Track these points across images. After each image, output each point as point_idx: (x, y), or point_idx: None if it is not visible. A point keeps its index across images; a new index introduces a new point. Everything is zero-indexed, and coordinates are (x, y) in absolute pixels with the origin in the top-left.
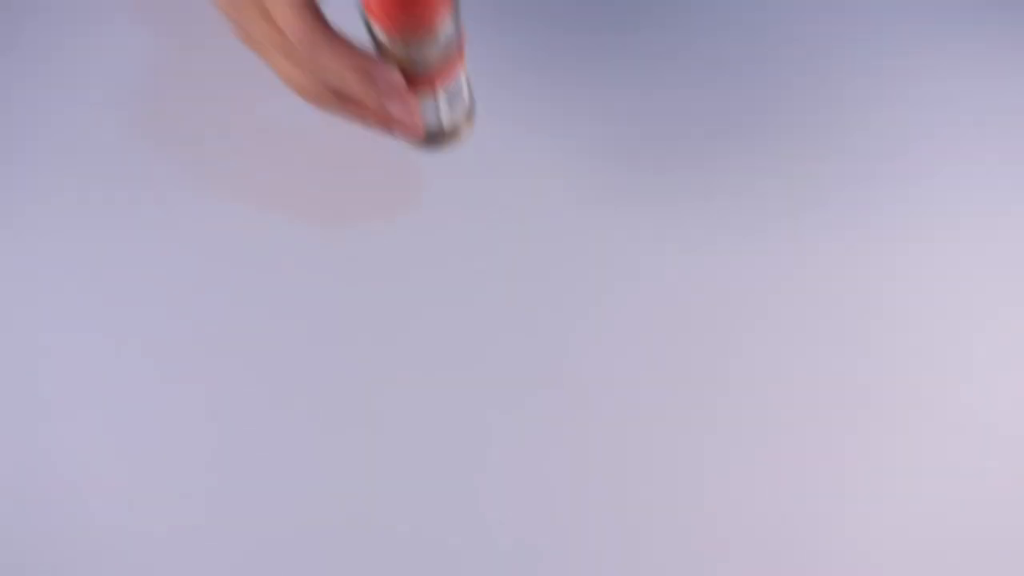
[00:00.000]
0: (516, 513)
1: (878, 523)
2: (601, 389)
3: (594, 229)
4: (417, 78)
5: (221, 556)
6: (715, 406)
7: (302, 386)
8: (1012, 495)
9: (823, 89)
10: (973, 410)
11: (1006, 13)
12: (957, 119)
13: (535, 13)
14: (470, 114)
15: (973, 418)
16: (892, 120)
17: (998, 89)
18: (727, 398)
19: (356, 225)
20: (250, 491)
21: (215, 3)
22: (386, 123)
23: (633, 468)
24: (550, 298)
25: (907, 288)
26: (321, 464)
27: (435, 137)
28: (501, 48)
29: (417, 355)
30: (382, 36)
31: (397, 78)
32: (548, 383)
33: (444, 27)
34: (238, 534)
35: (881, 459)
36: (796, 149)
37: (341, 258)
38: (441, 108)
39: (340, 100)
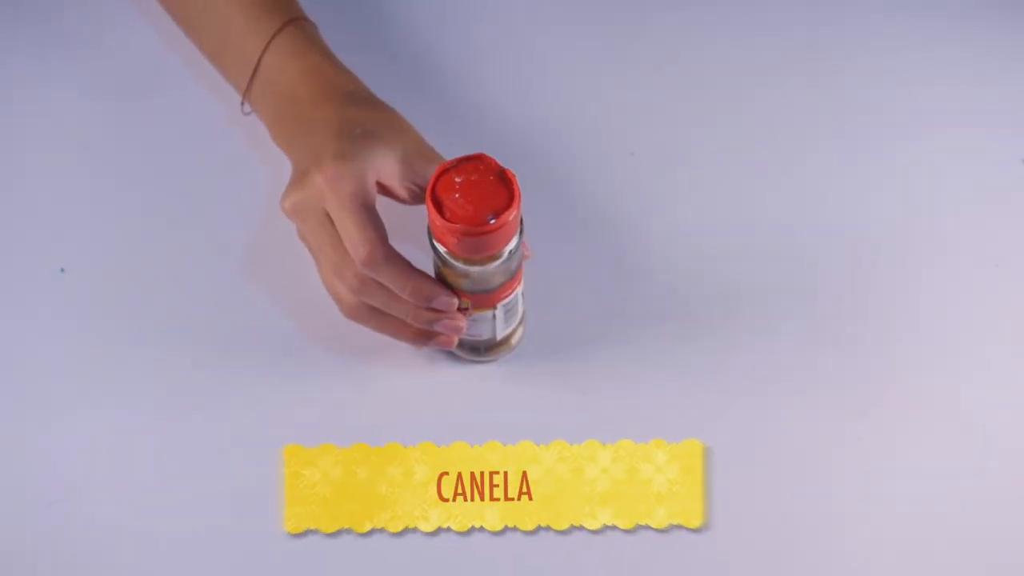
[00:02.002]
0: None
1: (877, 525)
2: None
3: None
4: (478, 296)
5: (222, 558)
6: (715, 406)
7: (311, 386)
8: (1011, 496)
9: (816, 84)
10: (973, 411)
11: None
12: (958, 114)
13: None
14: (521, 322)
15: (973, 418)
16: (888, 118)
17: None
18: (729, 397)
19: None
20: (252, 494)
21: (282, 207)
22: (425, 339)
23: None
24: None
25: (905, 288)
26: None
27: (488, 348)
28: None
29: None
30: (448, 256)
31: (453, 302)
32: None
33: (509, 248)
34: (239, 537)
35: (882, 461)
36: (790, 146)
37: None
38: (498, 322)
39: (378, 317)
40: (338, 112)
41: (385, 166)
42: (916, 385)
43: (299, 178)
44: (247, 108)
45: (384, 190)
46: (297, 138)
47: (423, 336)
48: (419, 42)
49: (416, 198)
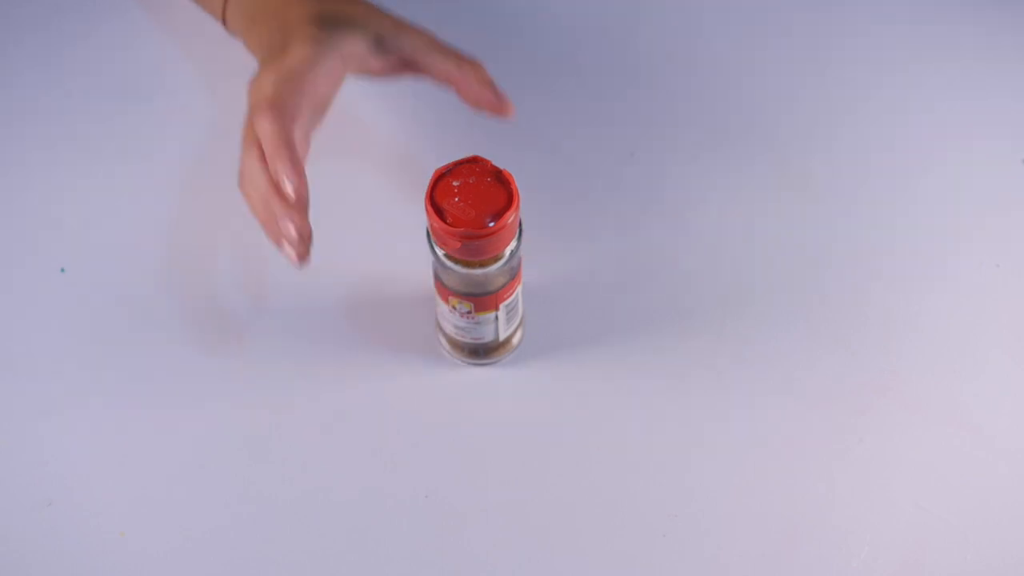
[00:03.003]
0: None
1: (877, 525)
2: None
3: None
4: (480, 298)
5: (221, 560)
6: (715, 406)
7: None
8: (1011, 497)
9: (817, 84)
10: (973, 411)
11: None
12: (956, 116)
13: None
14: (521, 323)
15: (973, 418)
16: (887, 118)
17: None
18: (729, 397)
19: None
20: (252, 495)
21: (253, 92)
22: (275, 233)
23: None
24: None
25: (905, 288)
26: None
27: (489, 350)
28: None
29: None
30: (448, 260)
31: (293, 201)
32: None
33: (510, 249)
34: (238, 538)
35: (882, 461)
36: (790, 146)
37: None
38: (500, 323)
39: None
40: (312, 6)
41: (357, 45)
42: (916, 385)
43: (269, 61)
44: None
45: (359, 67)
46: (271, 34)
47: (273, 226)
48: None
49: (392, 69)
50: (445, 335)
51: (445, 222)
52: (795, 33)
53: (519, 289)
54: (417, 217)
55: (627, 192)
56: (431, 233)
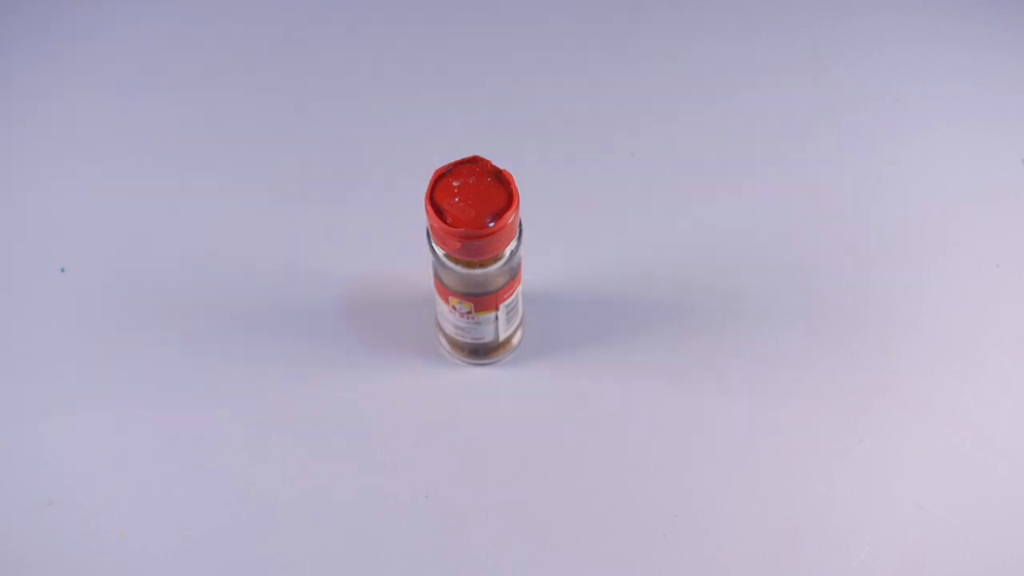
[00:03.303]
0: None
1: (877, 525)
2: None
3: None
4: (480, 298)
5: (221, 561)
6: (715, 406)
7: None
8: (1012, 497)
9: (815, 84)
10: (973, 411)
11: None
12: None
13: None
14: (521, 323)
15: (973, 418)
16: (887, 118)
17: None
18: (729, 397)
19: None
20: (252, 495)
21: None
22: None
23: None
24: None
25: (905, 288)
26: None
27: (489, 350)
28: None
29: None
30: (448, 260)
31: None
32: None
33: (510, 249)
34: (239, 538)
35: (882, 461)
36: (790, 145)
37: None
38: (500, 323)
39: None
40: None
41: None
42: (916, 385)
43: None
44: None
45: None
46: None
47: None
48: (417, 41)
49: None
50: (445, 335)
51: (445, 222)
52: (794, 32)
53: (519, 289)
54: (417, 217)
55: (627, 192)
56: (431, 233)
